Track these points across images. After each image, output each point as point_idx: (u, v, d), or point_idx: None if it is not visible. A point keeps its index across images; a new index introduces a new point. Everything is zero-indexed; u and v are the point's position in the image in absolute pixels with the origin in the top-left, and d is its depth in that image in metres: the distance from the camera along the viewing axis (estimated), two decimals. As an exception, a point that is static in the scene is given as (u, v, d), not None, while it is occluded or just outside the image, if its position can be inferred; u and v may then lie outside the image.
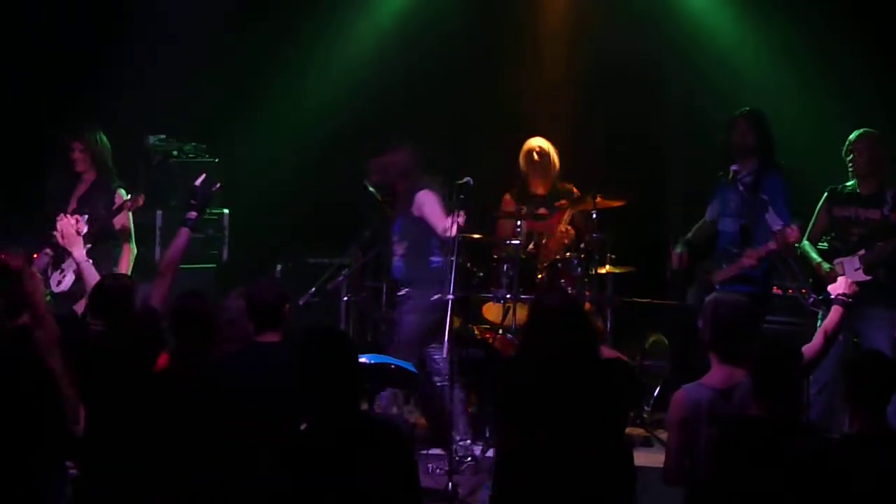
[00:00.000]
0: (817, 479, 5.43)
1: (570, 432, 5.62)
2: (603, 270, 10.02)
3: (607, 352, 6.18)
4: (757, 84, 11.04)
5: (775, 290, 8.79)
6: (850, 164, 8.86)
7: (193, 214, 7.46)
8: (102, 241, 9.14)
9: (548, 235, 10.17)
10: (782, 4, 11.11)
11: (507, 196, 10.41)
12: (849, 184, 8.88)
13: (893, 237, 8.53)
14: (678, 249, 9.08)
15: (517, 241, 9.68)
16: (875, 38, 10.72)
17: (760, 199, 8.61)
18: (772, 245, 8.40)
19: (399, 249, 9.34)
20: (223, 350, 6.76)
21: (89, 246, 8.75)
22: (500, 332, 9.59)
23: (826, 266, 8.49)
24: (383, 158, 9.42)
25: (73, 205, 9.30)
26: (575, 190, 10.31)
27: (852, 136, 8.88)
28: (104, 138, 9.45)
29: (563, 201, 10.19)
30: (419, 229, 9.22)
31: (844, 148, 8.89)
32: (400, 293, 9.40)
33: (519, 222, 9.90)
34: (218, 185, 7.81)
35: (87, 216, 8.93)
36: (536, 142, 10.41)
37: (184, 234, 7.39)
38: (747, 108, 9.10)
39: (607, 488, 5.68)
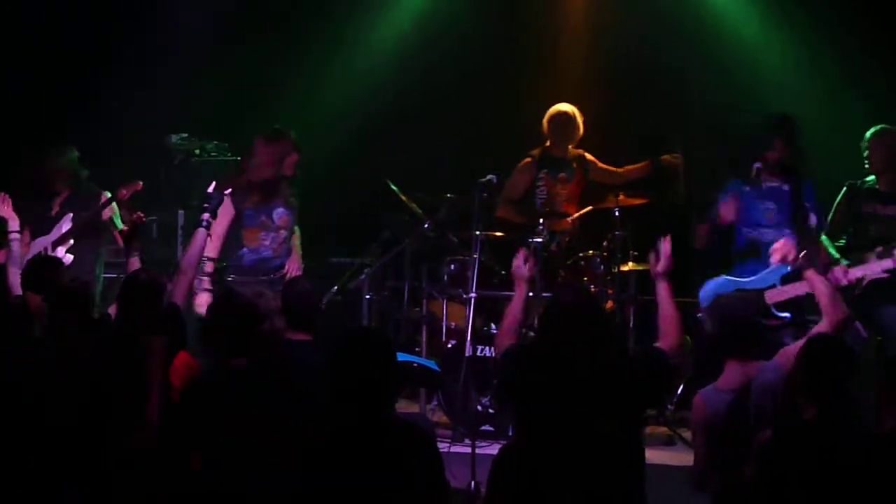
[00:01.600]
0: (870, 480, 5.34)
1: (577, 427, 5.62)
2: (626, 268, 10.01)
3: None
4: (779, 83, 11.03)
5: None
6: (868, 161, 8.85)
7: (206, 216, 7.85)
8: (85, 239, 9.40)
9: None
10: (804, 3, 11.10)
11: (528, 159, 10.43)
12: (868, 179, 8.87)
13: None
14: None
15: (539, 240, 9.68)
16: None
17: (804, 207, 8.51)
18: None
19: None
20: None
21: (71, 243, 8.99)
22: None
23: (844, 262, 8.44)
24: None
25: (55, 208, 9.47)
26: (587, 155, 10.42)
27: (868, 134, 8.88)
28: (74, 158, 9.57)
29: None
30: None
31: (862, 145, 8.88)
32: None
33: (542, 220, 9.91)
34: (230, 189, 8.26)
35: (70, 214, 9.15)
36: (563, 106, 10.48)
37: (200, 234, 7.74)
38: (781, 121, 8.86)
39: (612, 485, 5.65)
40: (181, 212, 10.45)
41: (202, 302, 8.72)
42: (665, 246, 6.44)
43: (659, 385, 6.06)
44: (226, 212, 8.91)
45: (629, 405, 5.77)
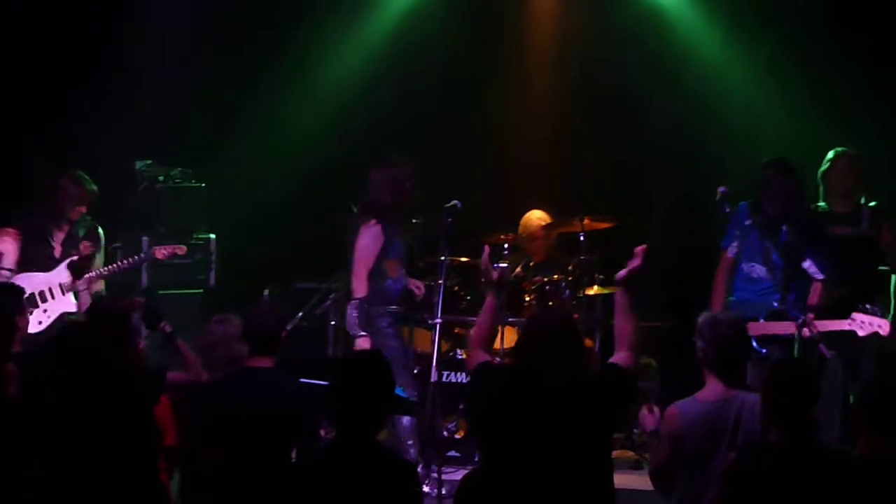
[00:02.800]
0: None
1: (544, 450, 5.58)
2: (591, 292, 10.02)
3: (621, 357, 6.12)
4: (744, 103, 11.07)
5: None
6: (827, 183, 8.86)
7: (166, 327, 7.16)
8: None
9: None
10: (769, 23, 11.14)
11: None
12: (820, 203, 8.89)
13: (867, 253, 8.57)
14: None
15: (505, 265, 9.65)
16: (860, 55, 10.77)
17: (801, 247, 8.33)
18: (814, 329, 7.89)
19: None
20: (210, 375, 6.83)
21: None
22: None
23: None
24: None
25: (57, 248, 9.42)
26: (570, 265, 10.31)
27: (831, 155, 8.90)
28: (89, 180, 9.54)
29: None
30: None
31: (823, 167, 8.88)
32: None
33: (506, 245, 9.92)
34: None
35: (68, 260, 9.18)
36: (536, 214, 10.46)
37: (180, 344, 7.17)
38: (779, 164, 8.55)
39: None
40: (145, 238, 10.36)
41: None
42: (636, 258, 6.41)
43: (620, 401, 6.00)
44: (377, 241, 8.91)
45: (596, 427, 5.73)
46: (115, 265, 9.61)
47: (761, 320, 8.19)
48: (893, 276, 8.76)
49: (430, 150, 11.04)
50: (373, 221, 8.85)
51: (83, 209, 9.52)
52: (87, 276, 9.34)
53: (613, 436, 6.58)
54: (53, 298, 9.32)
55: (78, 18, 10.96)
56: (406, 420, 8.90)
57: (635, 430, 9.81)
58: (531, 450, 5.58)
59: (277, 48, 11.60)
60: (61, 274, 9.35)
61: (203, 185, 10.79)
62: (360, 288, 8.87)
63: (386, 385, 5.48)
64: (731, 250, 8.63)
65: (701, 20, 11.55)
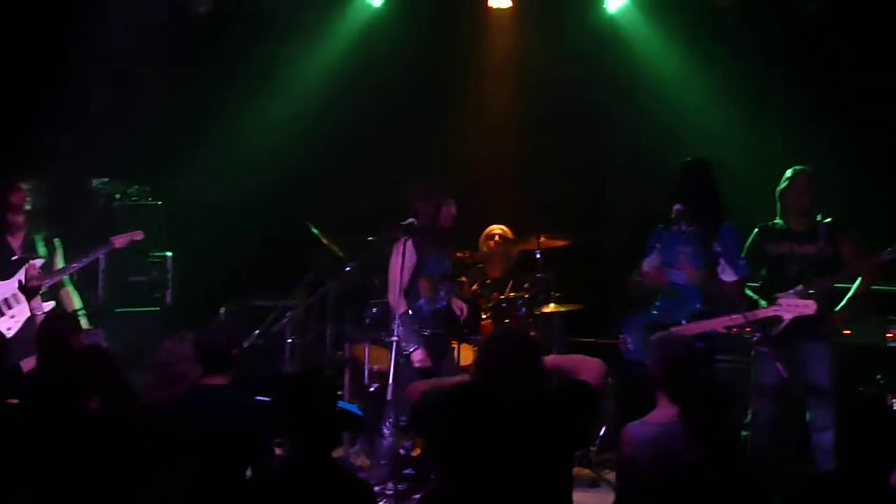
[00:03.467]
0: None
1: (508, 467, 5.57)
2: (548, 309, 10.03)
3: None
4: (700, 123, 11.12)
5: (718, 329, 8.66)
6: (784, 201, 8.91)
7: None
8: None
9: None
10: (725, 44, 11.22)
11: (464, 278, 10.47)
12: (777, 221, 8.93)
13: (830, 271, 8.61)
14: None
15: (462, 280, 9.70)
16: (814, 75, 10.88)
17: (714, 251, 8.42)
18: (739, 318, 8.12)
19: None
20: (166, 393, 6.79)
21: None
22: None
23: (763, 303, 8.48)
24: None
25: (17, 252, 9.37)
26: (526, 283, 10.32)
27: (789, 173, 8.93)
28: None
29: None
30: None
31: (781, 185, 8.93)
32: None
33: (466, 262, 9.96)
34: None
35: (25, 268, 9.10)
36: (497, 228, 10.51)
37: None
38: (689, 159, 8.70)
39: None
40: (101, 255, 10.31)
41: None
42: None
43: (580, 416, 6.00)
44: (408, 258, 8.88)
45: (556, 444, 5.72)
46: (75, 262, 9.51)
47: (683, 322, 8.27)
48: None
49: (388, 169, 11.05)
50: (402, 239, 8.80)
51: (24, 208, 9.42)
52: (47, 281, 9.26)
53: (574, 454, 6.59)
54: (19, 303, 9.26)
55: (31, 36, 10.92)
56: (386, 441, 8.89)
57: (593, 448, 9.84)
58: (490, 468, 5.55)
59: (234, 66, 11.59)
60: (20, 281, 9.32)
61: (160, 202, 10.77)
62: (396, 305, 8.83)
63: (325, 403, 5.46)
64: (647, 263, 8.62)
65: (657, 39, 11.61)
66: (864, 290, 8.79)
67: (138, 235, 9.74)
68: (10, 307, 9.28)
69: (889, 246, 8.56)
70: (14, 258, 9.34)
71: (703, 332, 8.14)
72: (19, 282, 9.09)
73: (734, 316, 8.14)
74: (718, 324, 8.22)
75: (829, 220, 8.84)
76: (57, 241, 9.56)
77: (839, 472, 5.50)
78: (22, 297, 9.20)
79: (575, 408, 5.86)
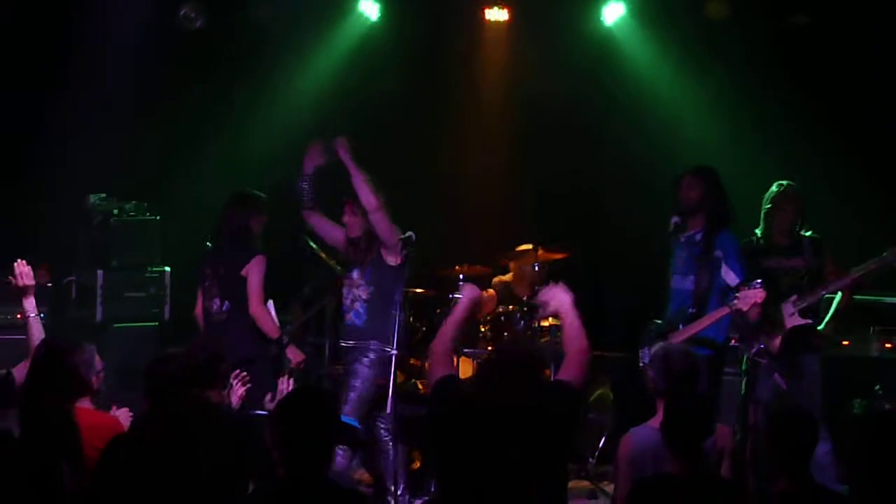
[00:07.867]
0: None
1: (505, 479, 5.56)
2: (546, 323, 10.04)
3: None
4: (694, 137, 11.15)
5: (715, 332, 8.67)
6: (771, 214, 8.95)
7: None
8: None
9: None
10: (719, 59, 11.26)
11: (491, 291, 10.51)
12: (758, 235, 8.98)
13: (820, 284, 8.64)
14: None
15: (460, 296, 9.67)
16: (807, 87, 10.93)
17: (713, 256, 8.54)
18: (725, 310, 8.15)
19: (363, 294, 9.26)
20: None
21: None
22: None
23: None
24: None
25: None
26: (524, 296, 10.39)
27: (775, 188, 9.00)
28: None
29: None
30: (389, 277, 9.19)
31: (767, 199, 8.97)
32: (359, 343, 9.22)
33: (461, 275, 9.97)
34: None
35: None
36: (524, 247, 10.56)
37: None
38: (696, 166, 8.91)
39: None
40: (100, 272, 10.35)
41: None
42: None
43: (565, 418, 5.97)
44: None
45: (551, 452, 5.72)
46: None
47: (681, 327, 8.37)
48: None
49: (384, 182, 11.06)
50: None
51: None
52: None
53: (568, 463, 6.58)
54: None
55: (28, 50, 10.92)
56: (391, 459, 8.89)
57: (591, 460, 9.85)
58: (488, 478, 5.57)
59: (231, 82, 11.61)
60: None
61: (157, 217, 10.76)
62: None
63: (323, 417, 5.44)
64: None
65: (653, 51, 11.65)
66: (847, 304, 8.88)
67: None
68: None
69: (875, 255, 8.59)
70: None
71: (697, 335, 8.22)
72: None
73: (717, 311, 8.23)
74: (706, 322, 8.27)
75: (810, 233, 8.90)
76: None
77: (856, 493, 5.47)
78: None
79: (559, 417, 5.79)
